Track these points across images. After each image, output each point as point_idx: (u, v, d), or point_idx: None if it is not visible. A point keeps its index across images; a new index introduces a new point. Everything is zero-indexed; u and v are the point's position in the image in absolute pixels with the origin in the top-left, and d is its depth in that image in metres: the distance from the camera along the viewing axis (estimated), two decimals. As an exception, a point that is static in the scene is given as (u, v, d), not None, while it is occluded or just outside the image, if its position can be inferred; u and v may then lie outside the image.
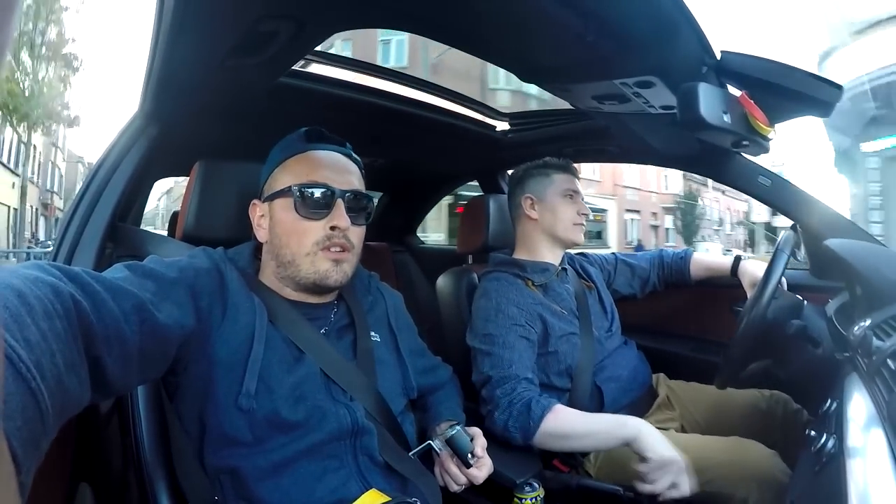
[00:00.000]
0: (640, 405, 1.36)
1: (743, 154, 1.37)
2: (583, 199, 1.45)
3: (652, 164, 1.83)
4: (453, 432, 0.92)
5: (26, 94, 16.05)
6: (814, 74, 0.93)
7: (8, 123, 16.75)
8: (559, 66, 1.03)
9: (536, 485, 0.98)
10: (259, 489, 0.76)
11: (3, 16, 0.16)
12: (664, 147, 1.38)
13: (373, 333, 0.98)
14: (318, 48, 1.07)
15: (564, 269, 1.47)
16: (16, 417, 0.35)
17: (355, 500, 0.78)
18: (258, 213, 0.94)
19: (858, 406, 0.64)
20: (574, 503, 1.14)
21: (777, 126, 1.00)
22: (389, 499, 0.79)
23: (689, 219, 28.55)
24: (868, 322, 0.79)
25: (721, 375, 1.18)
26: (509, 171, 2.03)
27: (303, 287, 0.91)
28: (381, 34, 14.42)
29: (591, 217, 1.51)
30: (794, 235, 1.20)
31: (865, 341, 0.73)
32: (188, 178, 1.06)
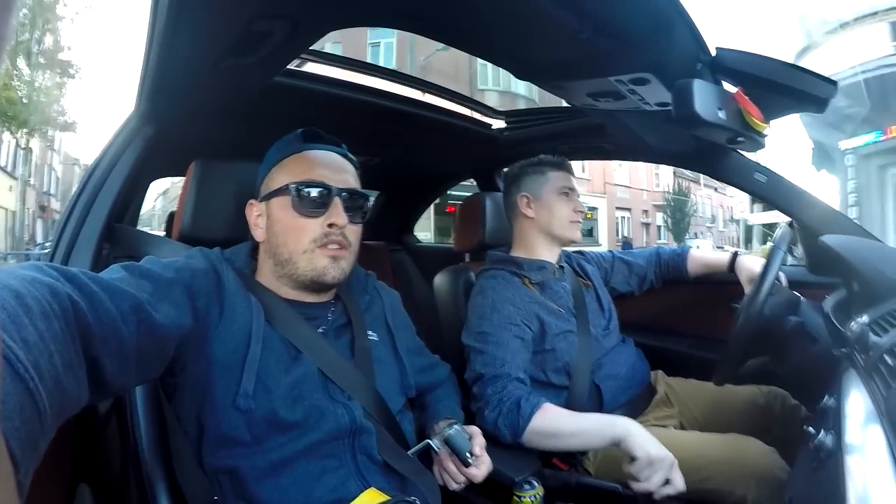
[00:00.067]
0: (639, 403, 1.36)
1: (738, 151, 1.38)
2: (578, 197, 1.45)
3: (647, 161, 1.83)
4: (451, 431, 0.92)
5: (24, 101, 16.31)
6: (808, 70, 0.93)
7: (7, 130, 17.03)
8: (554, 63, 1.03)
9: (535, 483, 0.98)
10: (258, 489, 0.76)
11: (1, 15, 0.16)
12: (660, 144, 1.38)
13: (370, 332, 0.98)
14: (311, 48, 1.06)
15: (561, 267, 1.46)
16: (14, 418, 0.35)
17: (354, 499, 0.78)
18: (255, 212, 0.94)
19: (856, 402, 0.64)
20: (573, 501, 1.14)
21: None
22: (388, 498, 0.79)
23: (678, 216, 28.69)
24: (865, 318, 0.80)
25: (719, 372, 1.18)
26: (504, 169, 2.03)
27: (300, 285, 0.91)
28: (371, 38, 14.46)
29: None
30: (791, 232, 1.20)
31: (863, 337, 0.74)
32: (184, 179, 1.06)
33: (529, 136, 1.89)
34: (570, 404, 1.25)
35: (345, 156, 0.97)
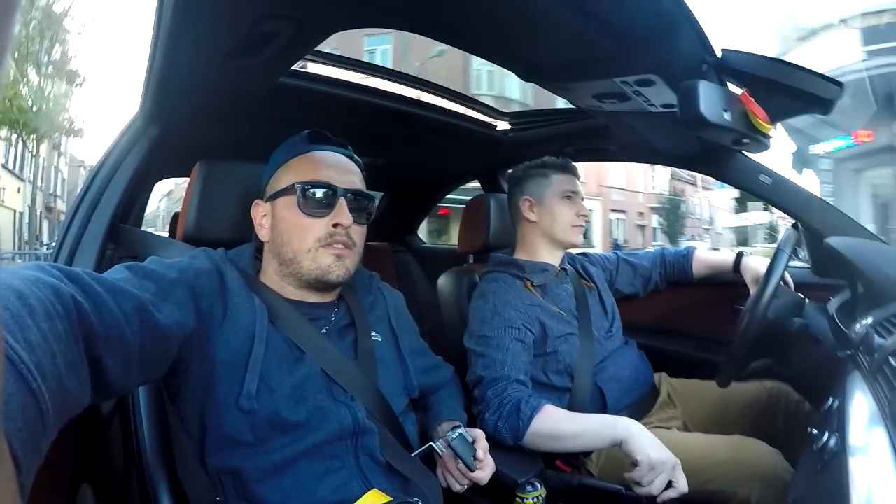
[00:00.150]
0: (643, 405, 1.35)
1: (743, 152, 1.37)
2: (582, 200, 1.44)
3: (652, 163, 1.82)
4: (455, 436, 0.91)
5: (34, 109, 16.93)
6: (814, 72, 0.93)
7: (19, 137, 17.76)
8: (559, 64, 1.03)
9: (538, 484, 0.97)
10: (260, 490, 0.76)
11: (4, 17, 0.16)
12: (665, 145, 1.38)
13: (374, 333, 0.98)
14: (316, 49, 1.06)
15: (564, 270, 1.46)
16: (17, 418, 0.35)
17: (357, 500, 0.78)
18: (261, 212, 0.94)
19: (860, 404, 0.64)
20: (576, 503, 1.14)
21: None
22: (391, 499, 0.79)
23: (672, 218, 28.58)
24: (870, 320, 0.79)
25: (723, 374, 1.18)
26: (509, 171, 2.03)
27: (305, 284, 0.91)
28: (367, 45, 14.53)
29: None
30: (795, 233, 1.20)
31: (867, 339, 0.73)
32: (189, 179, 1.06)
33: (533, 137, 1.88)
34: (572, 407, 1.24)
35: (350, 157, 0.98)
